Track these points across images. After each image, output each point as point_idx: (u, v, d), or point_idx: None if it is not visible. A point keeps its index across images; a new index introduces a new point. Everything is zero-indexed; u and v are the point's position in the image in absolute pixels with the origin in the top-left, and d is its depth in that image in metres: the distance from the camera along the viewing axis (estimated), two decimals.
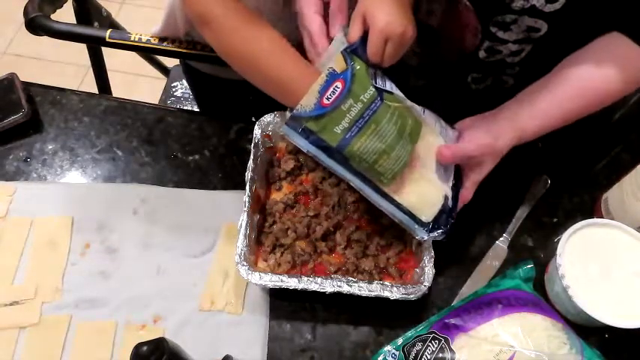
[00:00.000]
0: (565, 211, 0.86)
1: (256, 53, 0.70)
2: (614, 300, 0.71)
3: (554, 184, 0.87)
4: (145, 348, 0.57)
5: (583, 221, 0.76)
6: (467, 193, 0.73)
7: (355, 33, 0.66)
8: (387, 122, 0.65)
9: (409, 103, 0.71)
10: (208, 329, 0.75)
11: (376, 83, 0.67)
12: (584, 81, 0.73)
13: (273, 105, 0.85)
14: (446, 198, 0.70)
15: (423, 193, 0.69)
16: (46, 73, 2.13)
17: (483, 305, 0.69)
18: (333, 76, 0.64)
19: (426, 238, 0.70)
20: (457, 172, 0.74)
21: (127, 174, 0.89)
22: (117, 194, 0.85)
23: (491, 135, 0.71)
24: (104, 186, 0.87)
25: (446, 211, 0.70)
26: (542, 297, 0.72)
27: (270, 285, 0.71)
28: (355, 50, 0.65)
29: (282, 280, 0.71)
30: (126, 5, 2.37)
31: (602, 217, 0.82)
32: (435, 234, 0.70)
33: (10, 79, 0.94)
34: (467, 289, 0.78)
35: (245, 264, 0.72)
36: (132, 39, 0.96)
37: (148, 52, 1.49)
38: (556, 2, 0.71)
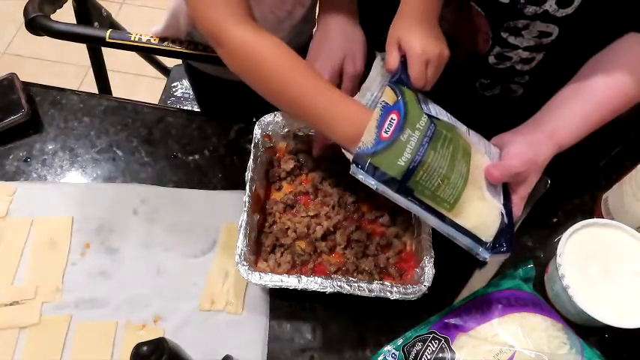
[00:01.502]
0: (565, 211, 0.86)
1: (272, 76, 0.69)
2: (614, 300, 0.71)
3: (554, 184, 0.87)
4: (145, 348, 0.57)
5: (583, 221, 0.76)
6: (516, 209, 0.72)
7: (394, 61, 0.66)
8: (442, 147, 0.65)
9: (456, 124, 0.71)
10: (208, 329, 0.75)
11: (424, 109, 0.67)
12: (614, 85, 0.72)
13: (273, 106, 0.85)
14: (502, 215, 0.70)
15: (482, 214, 0.68)
16: (46, 73, 2.13)
17: (483, 305, 0.69)
18: (387, 109, 0.64)
19: (488, 258, 0.68)
20: (504, 189, 0.73)
21: (127, 174, 0.89)
22: (117, 194, 0.85)
23: (533, 150, 0.70)
24: (104, 186, 0.87)
25: (504, 229, 0.69)
26: (542, 297, 0.72)
27: (270, 285, 0.71)
28: (400, 78, 0.66)
29: (282, 280, 0.71)
30: (126, 5, 2.37)
31: (602, 217, 0.82)
32: (497, 252, 0.68)
33: (10, 79, 0.94)
34: (467, 289, 0.78)
35: (245, 264, 0.72)
36: (132, 39, 0.96)
37: (148, 52, 1.49)
38: (568, 7, 0.71)
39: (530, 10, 0.72)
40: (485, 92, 0.90)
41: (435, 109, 0.70)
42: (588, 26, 0.73)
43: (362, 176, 0.64)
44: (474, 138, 0.72)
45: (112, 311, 0.76)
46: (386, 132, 0.63)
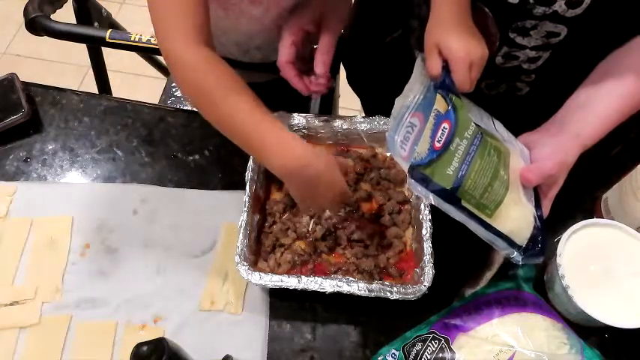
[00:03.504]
0: (565, 211, 0.86)
1: (212, 105, 0.69)
2: (614, 300, 0.71)
3: None
4: (145, 348, 0.57)
5: (583, 221, 0.76)
6: (545, 209, 0.72)
7: (436, 68, 0.66)
8: (488, 155, 0.65)
9: (492, 130, 0.71)
10: (208, 329, 0.75)
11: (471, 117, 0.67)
12: (631, 82, 0.72)
13: (273, 106, 0.85)
14: (535, 218, 0.69)
15: (518, 218, 0.68)
16: (46, 73, 2.13)
17: (483, 305, 0.69)
18: (439, 118, 0.64)
19: (522, 261, 0.67)
20: (534, 191, 0.73)
21: (127, 174, 0.88)
22: (117, 194, 0.85)
23: (563, 151, 0.70)
24: (104, 186, 0.87)
25: (537, 232, 0.69)
26: (542, 297, 0.72)
27: (270, 285, 0.71)
28: (444, 83, 0.65)
29: (282, 280, 0.71)
30: (126, 5, 2.38)
31: (602, 217, 0.82)
32: (530, 255, 0.68)
33: (10, 79, 0.94)
34: (467, 289, 0.78)
35: (245, 264, 0.72)
36: (132, 39, 0.96)
37: (148, 52, 1.49)
38: (578, 7, 0.71)
39: (540, 10, 0.72)
40: (490, 91, 0.90)
41: (474, 113, 0.70)
42: (597, 27, 0.73)
43: (416, 188, 0.63)
44: (509, 140, 0.72)
45: (112, 311, 0.76)
46: (438, 142, 0.63)
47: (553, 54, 0.79)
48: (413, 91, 0.68)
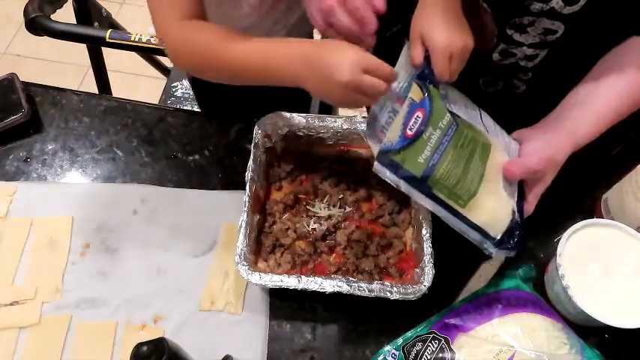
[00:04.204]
0: (565, 211, 0.86)
1: (211, 61, 0.71)
2: (614, 300, 0.71)
3: (554, 184, 0.87)
4: (145, 348, 0.57)
5: (583, 221, 0.76)
6: (530, 206, 0.72)
7: (418, 57, 0.66)
8: (462, 146, 0.66)
9: (475, 121, 0.71)
10: (208, 329, 0.75)
11: (447, 106, 0.67)
12: (628, 83, 0.72)
13: (273, 106, 0.85)
14: (514, 212, 0.70)
15: (494, 210, 0.68)
16: (46, 73, 2.13)
17: (483, 305, 0.69)
18: (413, 106, 0.64)
19: (495, 254, 0.68)
20: (519, 187, 0.73)
21: (127, 174, 0.88)
22: (117, 194, 0.85)
23: (552, 148, 0.70)
24: (104, 186, 0.87)
25: (514, 226, 0.69)
26: (542, 297, 0.72)
27: (270, 285, 0.71)
28: (424, 73, 0.66)
29: (282, 280, 0.71)
30: (126, 5, 2.37)
31: (602, 217, 0.82)
32: (505, 249, 0.69)
33: (10, 79, 0.94)
34: (467, 289, 0.78)
35: (245, 264, 0.72)
36: (132, 39, 0.96)
37: (148, 52, 1.49)
38: (575, 5, 0.71)
39: (537, 6, 0.72)
40: (488, 89, 0.90)
41: (457, 104, 0.70)
42: (593, 25, 0.73)
43: (387, 173, 0.64)
44: (495, 135, 0.73)
45: (112, 311, 0.76)
46: (410, 129, 0.64)
47: (550, 52, 0.79)
48: (398, 77, 0.68)
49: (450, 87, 0.70)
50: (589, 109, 0.73)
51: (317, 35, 0.99)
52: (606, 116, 0.73)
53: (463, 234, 0.68)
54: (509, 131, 0.77)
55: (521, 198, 0.72)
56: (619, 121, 0.74)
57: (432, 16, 0.66)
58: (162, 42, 0.73)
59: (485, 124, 0.73)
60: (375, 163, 0.65)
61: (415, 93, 0.65)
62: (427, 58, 0.66)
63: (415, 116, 0.64)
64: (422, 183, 0.64)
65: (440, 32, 0.64)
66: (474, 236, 0.67)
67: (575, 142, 0.71)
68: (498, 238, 0.68)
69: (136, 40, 0.96)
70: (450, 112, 0.67)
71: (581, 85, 0.75)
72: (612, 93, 0.73)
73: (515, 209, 0.70)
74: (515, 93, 0.88)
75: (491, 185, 0.68)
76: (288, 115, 0.85)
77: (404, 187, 0.65)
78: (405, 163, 0.64)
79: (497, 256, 0.72)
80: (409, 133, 0.64)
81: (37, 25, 0.96)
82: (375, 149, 0.66)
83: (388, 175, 0.64)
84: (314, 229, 0.79)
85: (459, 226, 0.67)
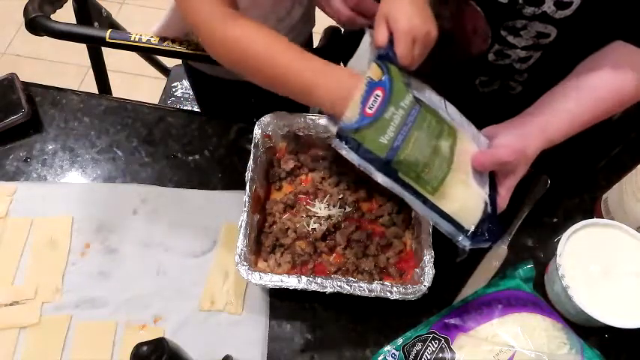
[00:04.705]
0: (565, 211, 0.86)
1: (257, 64, 0.70)
2: (614, 300, 0.71)
3: (554, 184, 0.87)
4: (145, 348, 0.57)
5: (583, 221, 0.76)
6: (502, 200, 0.72)
7: (382, 37, 0.66)
8: (428, 128, 0.65)
9: (440, 109, 0.70)
10: (208, 329, 0.75)
11: (410, 89, 0.66)
12: (605, 85, 0.73)
13: (274, 105, 0.85)
14: (486, 204, 0.69)
15: (465, 201, 0.68)
16: (46, 73, 2.13)
17: (483, 305, 0.69)
18: (372, 85, 0.63)
19: (468, 246, 0.68)
20: (491, 180, 0.73)
21: (127, 174, 0.89)
22: (117, 194, 0.85)
23: (523, 141, 0.70)
24: (104, 186, 0.87)
25: (487, 218, 0.69)
26: (542, 297, 0.72)
27: (270, 285, 0.71)
28: (387, 55, 0.65)
29: (282, 280, 0.71)
30: (126, 5, 2.37)
31: (602, 217, 0.82)
32: (478, 241, 0.68)
33: (10, 79, 0.94)
34: (467, 289, 0.78)
35: (245, 264, 0.72)
36: (132, 39, 0.96)
37: (148, 52, 1.49)
38: (567, 9, 0.71)
39: (529, 10, 0.73)
40: (484, 89, 0.90)
41: (420, 91, 0.69)
42: (587, 29, 0.73)
43: (345, 151, 0.63)
44: (460, 123, 0.72)
45: (112, 311, 0.76)
46: (370, 108, 0.62)
47: (544, 54, 0.80)
48: (358, 67, 0.67)
49: (413, 76, 0.69)
50: (562, 108, 0.73)
51: (317, 35, 0.99)
52: (580, 116, 0.73)
53: (437, 226, 0.67)
54: None
55: (493, 190, 0.72)
56: (601, 124, 0.74)
57: (399, 0, 0.66)
58: (200, 37, 0.72)
59: (449, 113, 0.72)
60: (335, 140, 0.63)
61: (374, 72, 0.64)
62: (391, 41, 0.65)
63: (374, 95, 0.63)
64: (386, 165, 0.63)
65: (405, 15, 0.64)
66: (446, 228, 0.67)
67: (546, 139, 0.71)
68: (472, 230, 0.67)
69: (136, 40, 0.96)
70: (413, 95, 0.66)
71: (557, 86, 0.75)
72: (588, 95, 0.73)
73: (488, 201, 0.69)
74: (512, 94, 0.88)
75: (460, 174, 0.68)
76: (288, 115, 0.85)
77: (365, 166, 0.63)
78: (365, 143, 0.62)
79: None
80: (368, 111, 0.62)
81: (37, 25, 0.96)
82: (334, 129, 0.65)
83: (348, 154, 0.63)
84: (314, 229, 0.79)
85: (430, 215, 0.66)
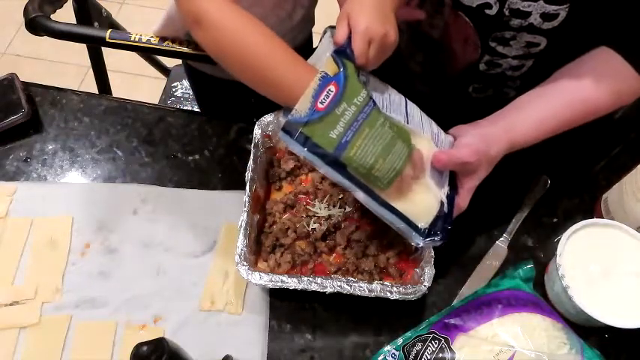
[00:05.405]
0: (565, 211, 0.86)
1: (247, 51, 0.69)
2: (614, 300, 0.71)
3: (554, 184, 0.87)
4: (145, 348, 0.57)
5: (583, 221, 0.76)
6: (462, 201, 0.72)
7: (341, 35, 0.66)
8: (382, 126, 0.65)
9: (397, 110, 0.70)
10: (208, 329, 0.75)
11: (365, 87, 0.66)
12: (577, 92, 0.73)
13: (274, 105, 0.85)
14: (442, 204, 0.70)
15: (419, 199, 0.68)
16: (46, 73, 2.13)
17: (483, 305, 0.69)
18: (325, 80, 0.63)
19: (421, 244, 0.69)
20: (452, 179, 0.73)
21: (127, 174, 0.89)
22: (117, 194, 0.85)
23: (486, 143, 0.71)
24: (104, 186, 0.87)
25: (442, 217, 0.69)
26: (542, 297, 0.72)
27: (270, 285, 0.71)
28: (344, 52, 0.65)
29: (282, 280, 0.71)
30: (126, 5, 2.37)
31: (602, 217, 0.82)
32: (431, 240, 0.69)
33: (10, 79, 0.94)
34: (467, 289, 0.78)
35: (245, 264, 0.72)
36: (132, 39, 0.96)
37: (148, 52, 1.49)
38: (554, 20, 0.71)
39: (516, 22, 0.73)
40: (478, 95, 0.91)
41: (377, 90, 0.70)
42: (576, 37, 0.73)
43: (291, 145, 0.63)
44: (419, 123, 0.72)
45: (112, 311, 0.76)
46: (322, 103, 0.62)
47: (536, 62, 0.80)
48: (316, 65, 0.68)
49: (373, 76, 0.69)
50: (530, 111, 0.73)
51: (317, 35, 0.99)
52: (546, 120, 0.73)
53: (390, 223, 0.68)
54: None
55: (453, 190, 0.72)
56: (564, 131, 0.74)
57: (363, 1, 0.67)
58: (190, 20, 0.69)
59: (409, 112, 0.72)
60: (280, 132, 0.63)
61: (329, 67, 0.64)
62: (350, 40, 0.66)
63: (327, 90, 0.63)
64: (335, 160, 0.63)
65: (365, 16, 0.65)
66: (399, 226, 0.67)
67: (511, 140, 0.72)
68: (425, 228, 0.68)
69: (136, 40, 0.96)
70: (367, 93, 0.66)
71: (533, 89, 0.75)
72: (558, 101, 0.73)
73: (445, 201, 0.70)
74: (506, 99, 0.89)
75: (415, 173, 0.68)
76: (282, 120, 0.85)
77: (311, 159, 0.63)
78: (314, 137, 0.62)
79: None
80: (320, 106, 0.62)
81: (37, 25, 0.96)
82: (283, 120, 0.65)
83: (294, 147, 0.63)
84: (314, 229, 0.79)
85: (382, 212, 0.66)
